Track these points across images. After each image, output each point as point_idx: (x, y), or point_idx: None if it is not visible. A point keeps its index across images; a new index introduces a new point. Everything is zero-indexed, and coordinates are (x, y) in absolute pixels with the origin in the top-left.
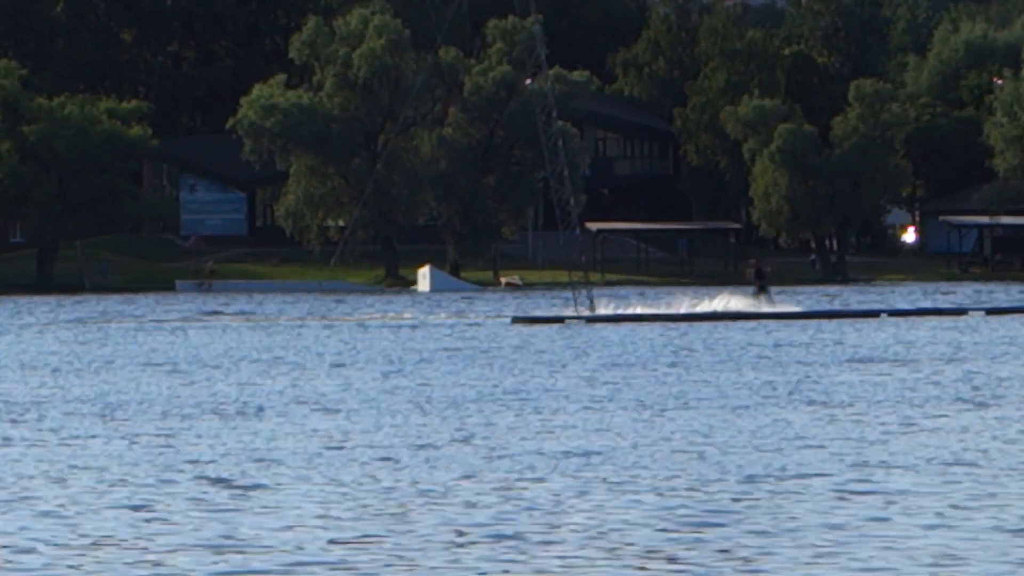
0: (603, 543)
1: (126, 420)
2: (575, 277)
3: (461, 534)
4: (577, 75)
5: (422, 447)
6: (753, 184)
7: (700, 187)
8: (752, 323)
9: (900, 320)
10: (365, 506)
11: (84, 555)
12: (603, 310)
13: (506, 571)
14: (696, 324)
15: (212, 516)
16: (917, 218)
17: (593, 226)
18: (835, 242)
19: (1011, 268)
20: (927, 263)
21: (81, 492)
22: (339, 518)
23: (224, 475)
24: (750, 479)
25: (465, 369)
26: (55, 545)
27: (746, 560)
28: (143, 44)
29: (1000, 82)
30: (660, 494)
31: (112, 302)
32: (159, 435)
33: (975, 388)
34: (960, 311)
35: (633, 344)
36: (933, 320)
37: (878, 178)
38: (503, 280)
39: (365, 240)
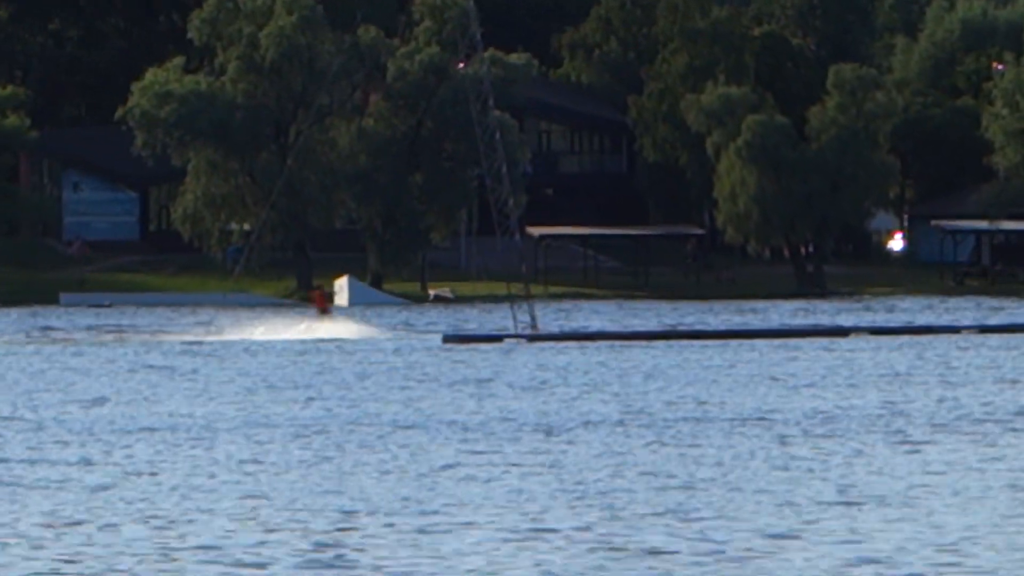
0: None
1: None
2: (514, 290)
3: None
4: (517, 58)
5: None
6: (718, 183)
7: (658, 186)
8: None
9: None
10: None
11: None
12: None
13: None
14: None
15: None
16: (906, 223)
17: (535, 231)
18: (811, 250)
19: (1013, 280)
20: (916, 274)
21: None
22: None
23: None
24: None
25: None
26: None
27: None
28: (20, 21)
29: (1001, 67)
30: None
31: None
32: None
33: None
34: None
35: None
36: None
37: (861, 177)
38: (432, 293)
39: (274, 246)
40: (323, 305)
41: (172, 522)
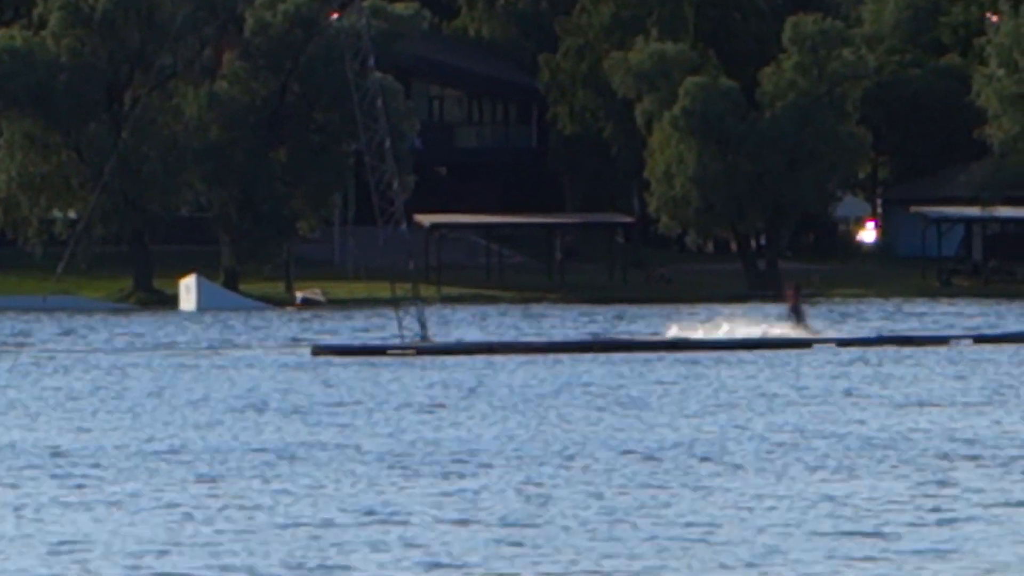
0: None
1: None
2: (401, 292)
3: None
4: (403, 8)
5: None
6: (649, 161)
7: (576, 165)
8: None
9: None
10: None
11: None
12: None
13: None
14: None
15: None
16: (879, 209)
17: (426, 219)
18: (764, 242)
19: (1011, 278)
20: (893, 272)
21: None
22: None
23: None
24: None
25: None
26: None
27: None
28: None
29: (995, 19)
30: None
31: None
32: None
33: None
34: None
35: None
36: None
37: (824, 153)
38: (299, 295)
39: (106, 238)
40: (794, 302)
41: None
